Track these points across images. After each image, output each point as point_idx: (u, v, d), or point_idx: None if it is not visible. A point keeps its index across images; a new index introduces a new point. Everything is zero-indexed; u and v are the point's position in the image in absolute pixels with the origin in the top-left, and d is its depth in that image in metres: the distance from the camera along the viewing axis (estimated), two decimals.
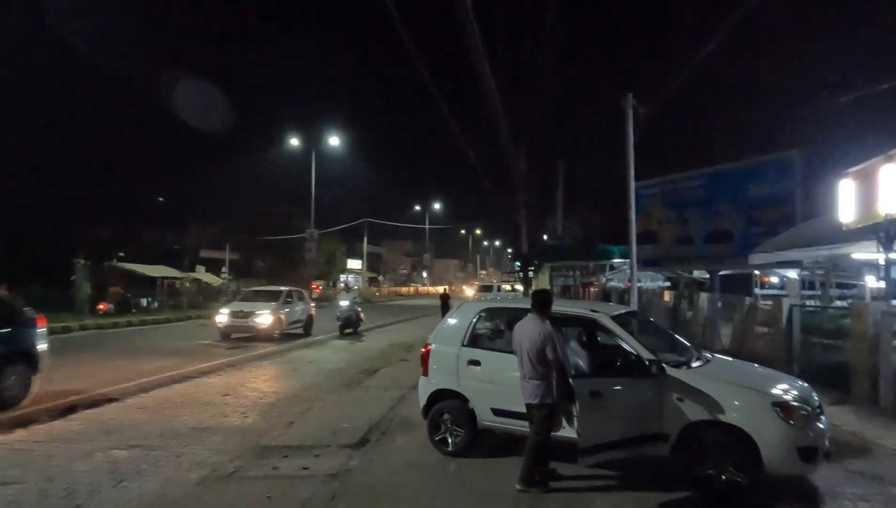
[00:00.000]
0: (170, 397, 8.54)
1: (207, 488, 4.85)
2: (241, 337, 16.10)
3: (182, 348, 14.49)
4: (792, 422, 4.37)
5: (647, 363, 4.78)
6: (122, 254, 37.91)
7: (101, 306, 23.46)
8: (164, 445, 6.03)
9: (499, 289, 39.08)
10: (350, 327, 18.18)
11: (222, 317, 16.20)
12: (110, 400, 8.18)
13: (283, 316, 16.70)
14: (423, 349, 6.13)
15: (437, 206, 64.85)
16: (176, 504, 4.53)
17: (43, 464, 5.39)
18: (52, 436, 6.38)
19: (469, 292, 46.65)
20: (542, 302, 4.98)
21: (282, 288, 18.55)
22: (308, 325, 18.42)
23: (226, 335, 16.08)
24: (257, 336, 15.84)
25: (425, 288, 74.85)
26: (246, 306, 16.53)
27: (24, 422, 6.92)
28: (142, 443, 6.08)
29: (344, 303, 18.53)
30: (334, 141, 37.77)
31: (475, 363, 5.72)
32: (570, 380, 4.76)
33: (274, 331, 16.06)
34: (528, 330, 4.79)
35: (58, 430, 6.67)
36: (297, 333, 17.61)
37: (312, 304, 19.46)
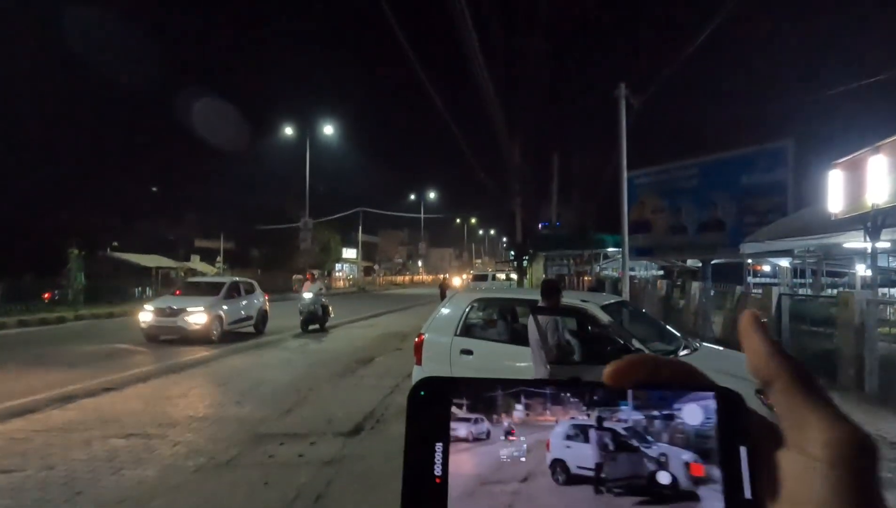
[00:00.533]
0: None
1: (205, 475, 4.95)
2: (170, 339, 13.27)
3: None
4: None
5: (633, 351, 4.89)
6: (115, 244, 37.86)
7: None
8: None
9: (493, 278, 39.22)
10: (315, 322, 15.96)
11: (146, 315, 13.42)
12: None
13: (222, 314, 13.95)
14: (416, 339, 6.22)
15: (432, 195, 64.88)
16: (175, 491, 4.63)
17: (43, 453, 5.48)
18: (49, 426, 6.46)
19: (456, 282, 45.00)
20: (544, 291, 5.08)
21: (225, 279, 16.26)
22: (261, 322, 15.78)
23: (151, 336, 13.31)
24: (189, 338, 13.08)
25: (420, 277, 75.06)
26: (175, 302, 13.72)
27: (21, 412, 6.99)
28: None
29: (307, 295, 16.09)
30: (329, 130, 37.74)
31: (468, 352, 5.82)
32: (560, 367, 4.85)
33: (210, 332, 13.29)
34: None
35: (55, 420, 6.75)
36: (247, 332, 15.09)
37: (266, 297, 16.51)
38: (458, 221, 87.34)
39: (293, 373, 9.76)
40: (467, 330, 6.09)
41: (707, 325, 12.89)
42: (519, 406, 0.37)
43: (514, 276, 31.38)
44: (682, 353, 5.23)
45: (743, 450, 0.35)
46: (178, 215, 44.75)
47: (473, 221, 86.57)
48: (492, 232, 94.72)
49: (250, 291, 15.92)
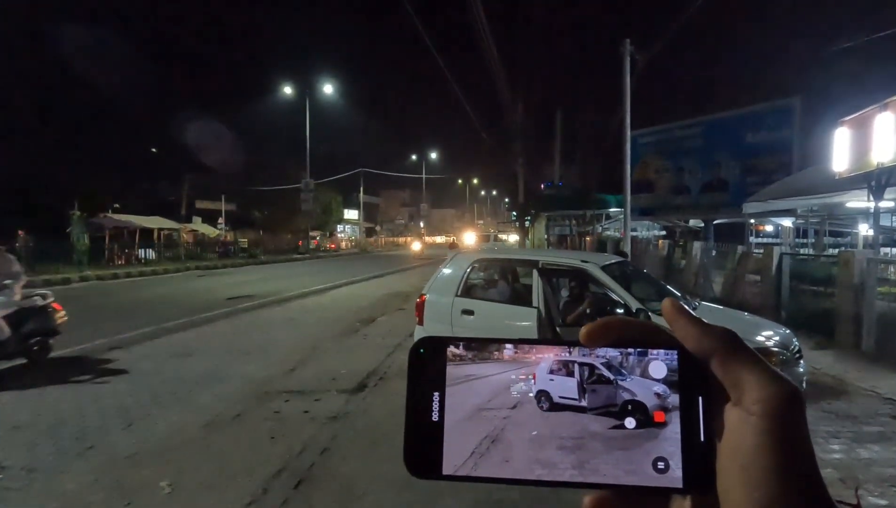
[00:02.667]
0: None
1: (213, 430, 5.09)
2: None
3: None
4: None
5: (633, 311, 4.94)
6: (117, 205, 37.77)
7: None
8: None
9: (495, 239, 39.20)
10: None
11: None
12: None
13: None
14: (418, 300, 6.28)
15: (433, 155, 64.33)
16: (184, 445, 4.77)
17: (55, 408, 5.62)
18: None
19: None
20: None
21: None
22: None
23: None
24: None
25: (422, 238, 75.04)
26: None
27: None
28: None
29: None
30: (329, 89, 37.17)
31: (469, 312, 5.88)
32: (557, 328, 4.92)
33: None
34: None
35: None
36: None
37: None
38: (460, 181, 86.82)
39: (297, 332, 9.89)
40: (468, 291, 6.14)
41: (708, 285, 12.96)
42: (508, 349, 0.42)
43: (515, 236, 31.33)
44: None
45: (700, 400, 0.39)
46: (178, 177, 44.40)
47: (476, 181, 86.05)
48: (494, 193, 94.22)
49: None
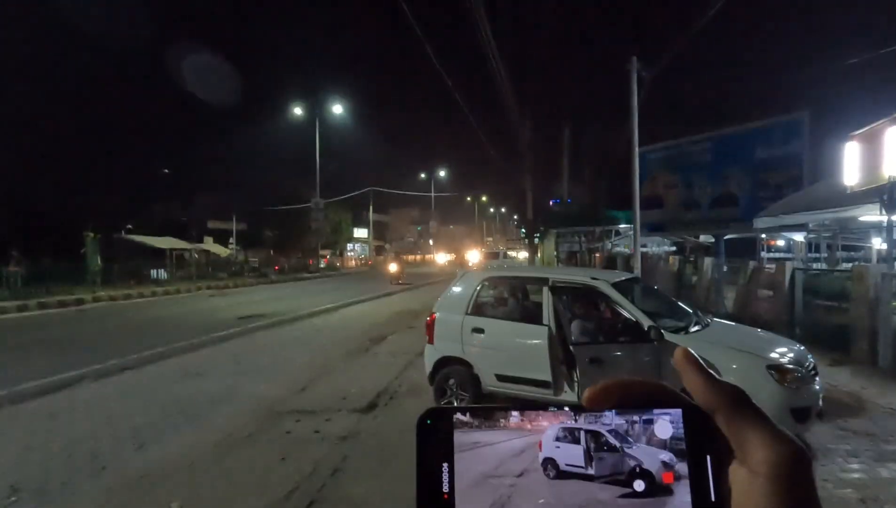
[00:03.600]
0: None
1: (224, 450, 5.08)
2: None
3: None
4: (786, 384, 4.51)
5: (645, 329, 4.91)
6: (130, 226, 38.21)
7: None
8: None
9: (504, 256, 39.14)
10: None
11: None
12: None
13: None
14: (428, 318, 6.28)
15: (442, 173, 64.60)
16: (195, 465, 4.76)
17: (69, 429, 5.64)
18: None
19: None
20: None
21: None
22: None
23: None
24: None
25: (431, 256, 75.02)
26: None
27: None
28: None
29: None
30: (338, 109, 37.62)
31: (479, 330, 5.87)
32: (571, 347, 4.90)
33: None
34: None
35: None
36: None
37: None
38: (468, 199, 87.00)
39: (308, 351, 9.89)
40: (478, 309, 6.13)
41: (719, 300, 12.85)
42: (514, 416, 0.42)
43: (524, 253, 31.30)
44: (693, 329, 5.24)
45: (709, 458, 0.39)
46: (190, 197, 44.94)
47: (484, 198, 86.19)
48: (503, 210, 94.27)
49: None
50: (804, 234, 15.95)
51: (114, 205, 38.50)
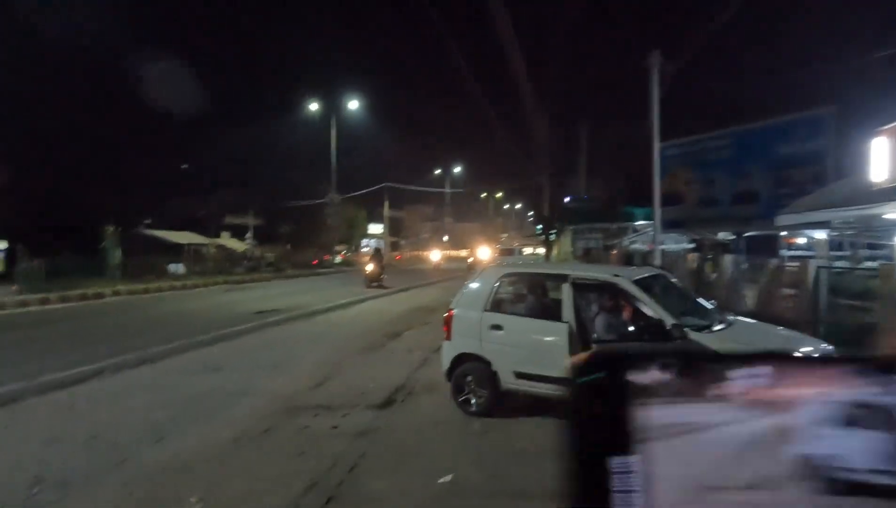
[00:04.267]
0: None
1: (242, 445, 5.09)
2: None
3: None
4: None
5: (669, 327, 4.82)
6: (149, 221, 38.66)
7: None
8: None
9: (520, 253, 38.94)
10: None
11: None
12: None
13: None
14: (445, 314, 6.23)
15: (457, 169, 64.52)
16: (214, 459, 4.77)
17: (87, 422, 5.70)
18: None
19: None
20: None
21: None
22: None
23: None
24: None
25: (446, 252, 74.91)
26: None
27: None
28: None
29: None
30: (354, 105, 37.73)
31: (497, 327, 5.81)
32: (594, 346, 4.82)
33: None
34: None
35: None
36: None
37: None
38: (484, 195, 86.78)
39: (324, 346, 9.91)
40: (497, 305, 6.08)
41: (740, 298, 12.64)
42: (741, 377, 0.23)
43: (540, 250, 31.12)
44: (716, 328, 5.13)
45: None
46: (207, 193, 45.23)
47: (499, 195, 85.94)
48: (518, 206, 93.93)
49: None
50: (827, 232, 15.64)
51: (133, 200, 38.87)
